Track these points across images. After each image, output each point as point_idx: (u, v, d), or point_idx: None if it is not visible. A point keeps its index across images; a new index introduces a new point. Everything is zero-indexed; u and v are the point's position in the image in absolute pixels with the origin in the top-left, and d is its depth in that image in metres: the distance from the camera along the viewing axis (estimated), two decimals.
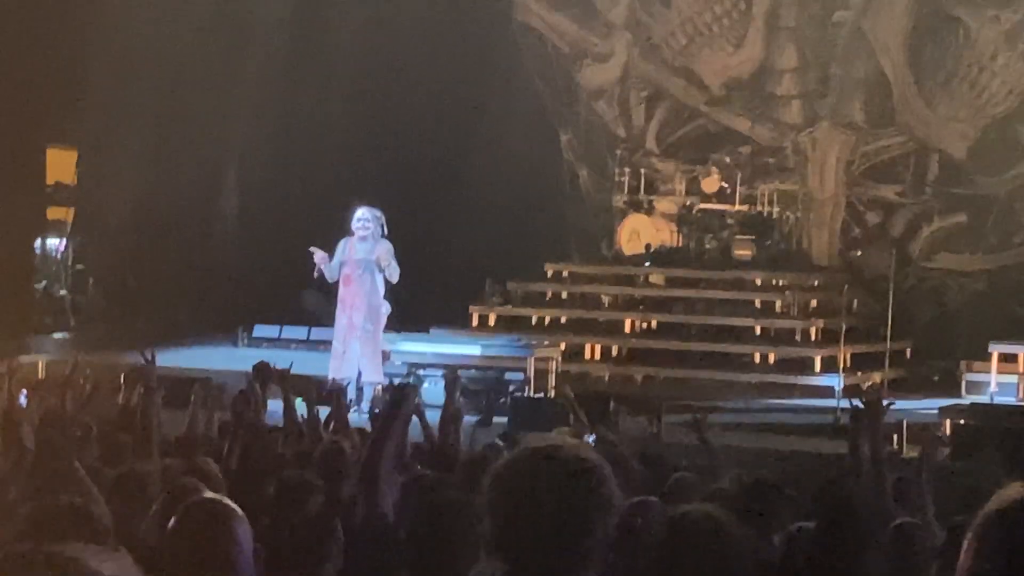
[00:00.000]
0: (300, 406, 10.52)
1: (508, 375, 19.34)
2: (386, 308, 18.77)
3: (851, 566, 5.32)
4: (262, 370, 10.42)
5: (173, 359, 20.83)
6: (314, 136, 24.06)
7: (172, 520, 4.55)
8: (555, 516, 3.07)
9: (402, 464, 8.91)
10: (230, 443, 8.91)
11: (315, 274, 18.66)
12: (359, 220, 18.47)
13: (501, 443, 11.38)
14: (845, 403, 12.87)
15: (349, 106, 23.94)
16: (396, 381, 17.23)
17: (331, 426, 10.64)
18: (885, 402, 7.55)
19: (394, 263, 18.45)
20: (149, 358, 9.66)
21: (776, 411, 19.09)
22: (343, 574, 6.20)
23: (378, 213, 18.59)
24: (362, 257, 18.44)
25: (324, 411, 10.88)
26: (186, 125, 23.90)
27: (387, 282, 18.70)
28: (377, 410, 10.91)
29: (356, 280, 18.48)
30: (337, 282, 18.63)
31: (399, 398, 6.37)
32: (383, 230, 18.54)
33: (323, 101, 24.07)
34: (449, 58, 23.70)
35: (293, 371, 11.02)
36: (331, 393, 11.45)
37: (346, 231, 18.79)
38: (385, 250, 18.46)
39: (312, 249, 18.52)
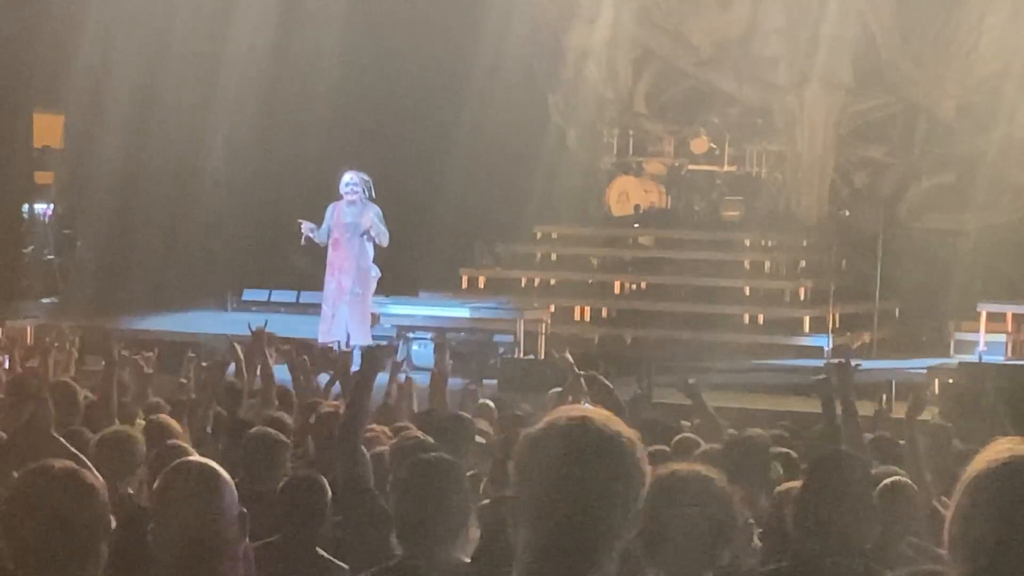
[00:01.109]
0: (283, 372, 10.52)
1: (497, 337, 19.36)
2: (375, 272, 18.79)
3: (836, 524, 5.32)
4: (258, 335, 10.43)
5: (162, 323, 20.90)
6: (302, 99, 24.00)
7: (157, 482, 4.56)
8: (587, 489, 3.04)
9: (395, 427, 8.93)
10: (204, 407, 8.92)
11: (303, 241, 18.74)
12: (347, 185, 18.54)
13: (492, 404, 11.42)
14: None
15: (337, 70, 23.87)
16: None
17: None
18: (853, 363, 7.57)
19: (383, 227, 18.50)
20: (109, 330, 9.66)
21: (765, 371, 19.12)
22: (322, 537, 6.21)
23: (365, 177, 18.65)
24: (350, 221, 18.49)
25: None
26: (173, 89, 23.82)
27: (377, 246, 18.72)
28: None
29: (345, 244, 18.52)
30: (327, 245, 18.69)
31: (371, 361, 6.29)
32: (371, 193, 18.60)
33: (311, 65, 24.00)
34: (436, 20, 23.62)
35: (284, 335, 11.05)
36: (326, 356, 11.47)
37: (334, 194, 18.81)
38: (373, 214, 18.52)
39: (300, 221, 18.63)
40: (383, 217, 18.60)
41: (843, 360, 7.56)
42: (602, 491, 3.06)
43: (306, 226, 18.57)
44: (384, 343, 6.28)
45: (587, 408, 3.20)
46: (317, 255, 19.23)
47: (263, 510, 5.97)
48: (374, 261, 18.83)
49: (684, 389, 9.83)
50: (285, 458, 7.19)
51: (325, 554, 6.07)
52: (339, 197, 18.70)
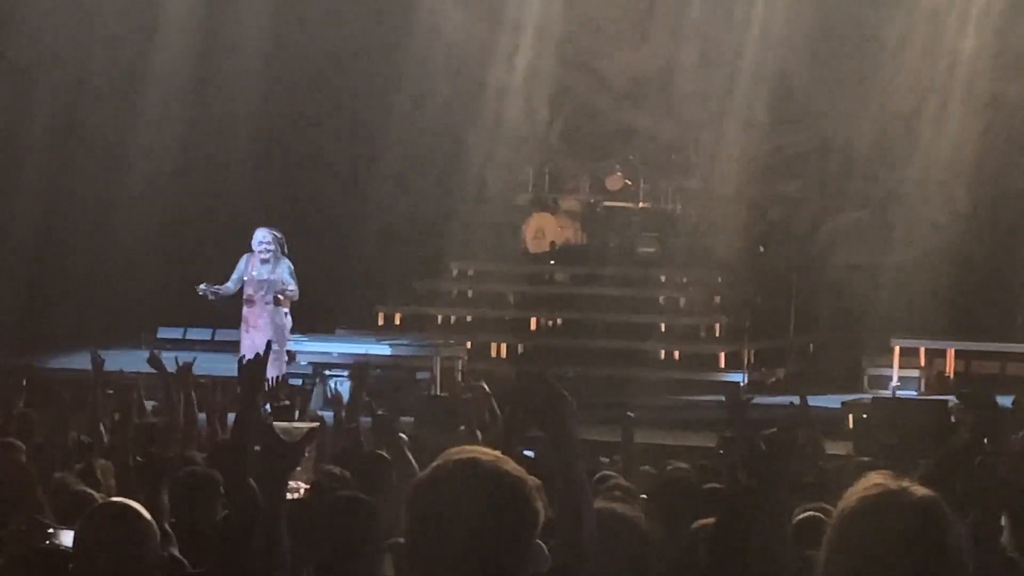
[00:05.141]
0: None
1: (414, 374, 19.32)
2: (289, 321, 18.71)
3: (751, 560, 5.33)
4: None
5: (77, 362, 20.67)
6: (219, 134, 23.91)
7: (78, 525, 4.50)
8: (480, 531, 3.02)
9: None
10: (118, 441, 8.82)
11: (201, 292, 18.60)
12: (260, 243, 18.46)
13: (404, 436, 11.38)
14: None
15: (254, 106, 23.80)
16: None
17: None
18: (745, 397, 7.60)
19: (294, 283, 18.42)
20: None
21: (682, 407, 19.17)
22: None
23: (278, 234, 18.57)
24: (265, 278, 18.42)
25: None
26: (92, 128, 23.69)
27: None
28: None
29: (259, 301, 18.45)
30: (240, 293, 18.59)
31: (249, 378, 6.02)
32: (284, 249, 18.54)
33: (228, 106, 23.93)
34: (352, 58, 23.63)
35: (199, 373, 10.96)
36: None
37: (252, 225, 18.74)
38: (286, 268, 18.43)
39: (199, 288, 18.52)
40: (294, 271, 18.52)
41: (735, 391, 7.58)
42: (495, 532, 3.05)
43: (206, 289, 18.52)
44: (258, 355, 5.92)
45: (475, 449, 3.17)
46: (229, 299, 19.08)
47: (200, 549, 5.89)
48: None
49: (622, 422, 9.89)
50: (219, 495, 7.12)
51: None
52: (251, 250, 18.61)
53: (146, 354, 11.30)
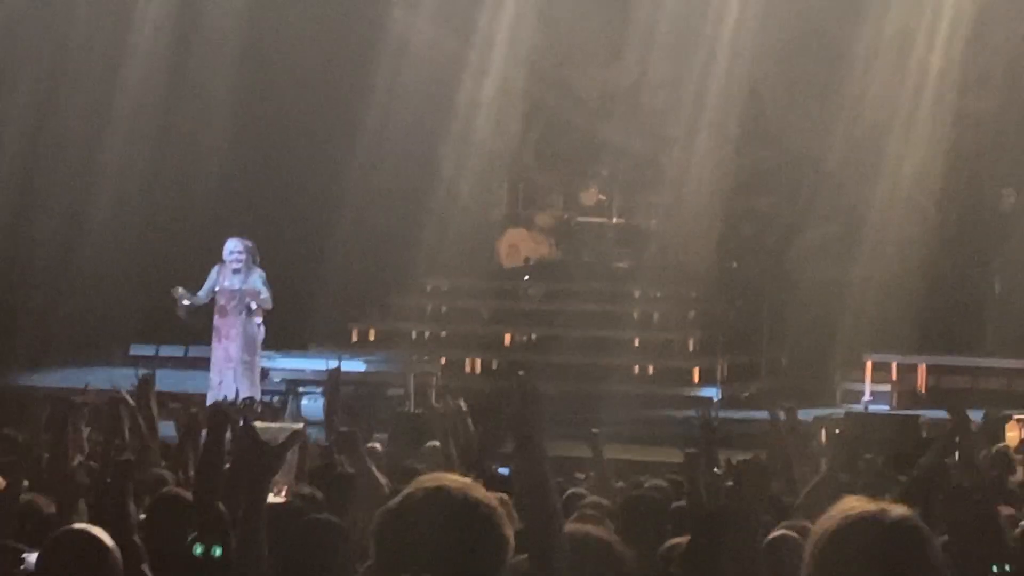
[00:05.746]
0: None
1: (388, 391, 19.30)
2: (262, 332, 18.62)
3: None
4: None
5: (48, 379, 20.63)
6: (190, 151, 23.88)
7: (40, 552, 4.49)
8: (449, 559, 3.03)
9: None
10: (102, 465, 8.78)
11: (179, 311, 18.46)
12: (231, 253, 18.31)
13: (378, 447, 11.39)
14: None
15: (226, 124, 23.78)
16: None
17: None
18: (714, 415, 7.65)
19: (266, 292, 18.30)
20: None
21: (656, 422, 19.19)
22: None
23: (249, 243, 18.44)
24: (237, 288, 18.31)
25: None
26: (60, 146, 23.63)
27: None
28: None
29: (231, 311, 18.34)
30: (212, 304, 18.49)
31: (218, 419, 6.06)
32: (255, 259, 18.41)
33: (199, 122, 23.90)
34: (324, 73, 23.62)
35: (171, 390, 10.93)
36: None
37: (222, 243, 18.65)
38: (258, 277, 18.32)
39: (174, 296, 18.35)
40: (267, 280, 18.43)
41: (707, 419, 7.62)
42: (465, 561, 3.05)
43: (181, 294, 18.34)
44: (230, 401, 5.89)
45: (445, 476, 3.17)
46: (200, 309, 19.02)
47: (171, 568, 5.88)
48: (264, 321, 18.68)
49: (587, 439, 9.84)
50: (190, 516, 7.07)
51: None
52: (222, 261, 18.51)
53: (118, 372, 11.24)
